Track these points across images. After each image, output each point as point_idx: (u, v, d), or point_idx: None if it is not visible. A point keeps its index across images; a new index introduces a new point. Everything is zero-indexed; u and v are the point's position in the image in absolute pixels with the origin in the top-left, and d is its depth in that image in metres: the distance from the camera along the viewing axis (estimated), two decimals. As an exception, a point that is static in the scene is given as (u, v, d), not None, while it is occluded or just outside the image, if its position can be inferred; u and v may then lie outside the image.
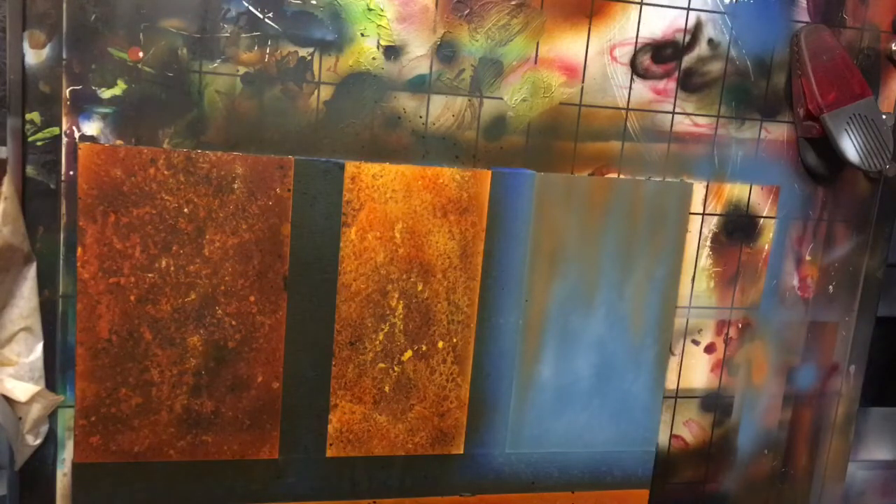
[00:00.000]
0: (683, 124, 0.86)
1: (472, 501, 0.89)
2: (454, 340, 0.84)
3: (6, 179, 0.71)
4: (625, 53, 0.83)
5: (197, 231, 0.76)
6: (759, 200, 0.90)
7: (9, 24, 0.69)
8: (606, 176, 0.85)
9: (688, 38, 0.84)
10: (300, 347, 0.80)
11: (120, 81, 0.73)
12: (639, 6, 0.82)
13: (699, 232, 0.89)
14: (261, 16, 0.74)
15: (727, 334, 0.93)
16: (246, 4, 0.74)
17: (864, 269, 0.95)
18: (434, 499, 0.88)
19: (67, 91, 0.72)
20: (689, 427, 0.94)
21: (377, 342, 0.82)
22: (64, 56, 0.71)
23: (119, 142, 0.74)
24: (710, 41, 0.85)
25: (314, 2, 0.75)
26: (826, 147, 0.86)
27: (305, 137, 0.78)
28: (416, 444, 0.86)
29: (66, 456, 0.78)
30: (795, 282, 0.94)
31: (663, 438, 0.94)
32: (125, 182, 0.73)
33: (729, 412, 0.95)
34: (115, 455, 0.78)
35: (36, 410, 0.75)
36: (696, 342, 0.92)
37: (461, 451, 0.87)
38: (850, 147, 0.83)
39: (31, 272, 0.74)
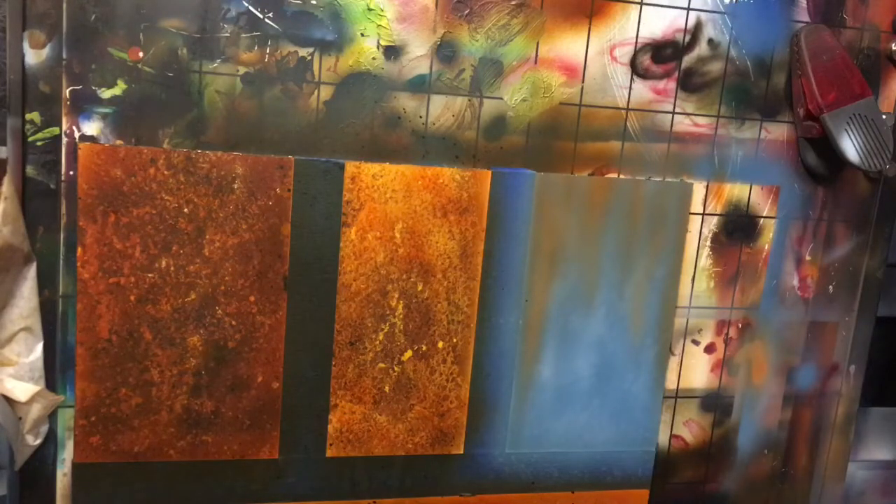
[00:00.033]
0: (683, 124, 0.86)
1: (472, 501, 0.89)
2: (454, 340, 0.84)
3: (6, 179, 0.71)
4: (625, 53, 0.83)
5: (197, 231, 0.76)
6: (759, 200, 0.90)
7: (9, 24, 0.69)
8: (606, 176, 0.85)
9: (688, 38, 0.84)
10: (300, 347, 0.80)
11: (120, 81, 0.73)
12: (639, 6, 0.82)
13: (699, 232, 0.89)
14: (261, 16, 0.74)
15: (727, 334, 0.93)
16: (246, 4, 0.74)
17: (864, 269, 0.95)
18: (434, 499, 0.88)
19: (67, 91, 0.72)
20: (689, 427, 0.94)
21: (377, 342, 0.82)
22: (64, 56, 0.71)
23: (119, 142, 0.74)
24: (710, 41, 0.85)
25: (314, 2, 0.75)
26: (826, 147, 0.86)
27: (305, 137, 0.78)
28: (416, 444, 0.86)
29: (66, 456, 0.78)
30: (795, 282, 0.94)
31: (663, 438, 0.94)
32: (125, 182, 0.73)
33: (729, 412, 0.95)
34: (115, 455, 0.78)
35: (36, 410, 0.75)
36: (696, 342, 0.92)
37: (461, 451, 0.87)
38: (850, 147, 0.83)
39: (31, 272, 0.74)
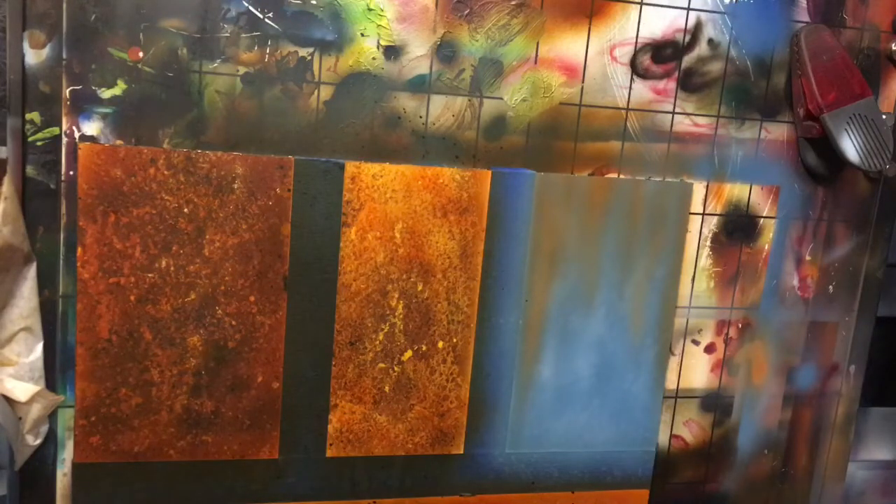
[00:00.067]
0: (683, 124, 0.86)
1: (472, 501, 0.89)
2: (454, 340, 0.84)
3: (6, 179, 0.71)
4: (625, 53, 0.83)
5: (197, 231, 0.76)
6: (759, 200, 0.90)
7: (9, 24, 0.69)
8: (606, 176, 0.85)
9: (688, 38, 0.84)
10: (300, 347, 0.80)
11: (120, 81, 0.73)
12: (639, 6, 0.82)
13: (699, 232, 0.89)
14: (261, 16, 0.74)
15: (727, 334, 0.93)
16: (246, 4, 0.74)
17: (864, 269, 0.95)
18: (434, 499, 0.88)
19: (67, 91, 0.72)
20: (689, 427, 0.94)
21: (377, 342, 0.82)
22: (64, 56, 0.71)
23: (119, 142, 0.74)
24: (710, 41, 0.85)
25: (314, 2, 0.75)
26: (826, 147, 0.86)
27: (305, 137, 0.78)
28: (416, 444, 0.86)
29: (66, 456, 0.78)
30: (795, 282, 0.94)
31: (663, 438, 0.94)
32: (125, 182, 0.73)
33: (729, 412, 0.95)
34: (115, 455, 0.78)
35: (36, 410, 0.75)
36: (696, 342, 0.92)
37: (461, 451, 0.87)
38: (850, 147, 0.83)
39: (31, 272, 0.74)
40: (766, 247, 0.92)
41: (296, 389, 0.81)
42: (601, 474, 0.92)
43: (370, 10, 0.76)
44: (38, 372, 0.75)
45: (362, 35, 0.77)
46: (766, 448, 0.97)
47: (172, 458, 0.79)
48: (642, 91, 0.84)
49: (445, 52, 0.79)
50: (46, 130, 0.72)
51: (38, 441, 0.76)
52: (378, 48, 0.77)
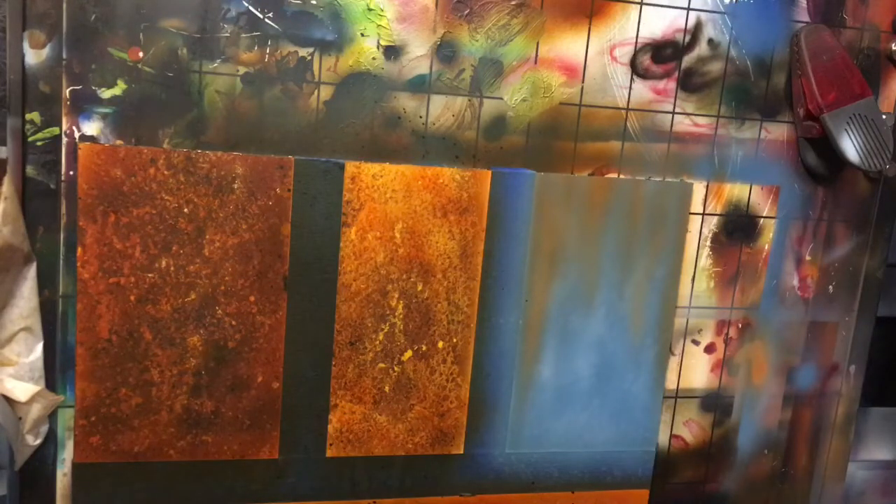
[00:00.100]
0: (683, 124, 0.86)
1: (472, 501, 0.89)
2: (454, 340, 0.84)
3: (6, 179, 0.71)
4: (625, 53, 0.83)
5: (197, 231, 0.76)
6: (759, 200, 0.90)
7: (9, 24, 0.69)
8: (606, 176, 0.85)
9: (688, 38, 0.84)
10: (300, 347, 0.80)
11: (120, 81, 0.73)
12: (639, 6, 0.82)
13: (699, 232, 0.89)
14: (261, 16, 0.74)
15: (727, 334, 0.93)
16: (246, 4, 0.74)
17: (864, 269, 0.95)
18: (434, 499, 0.88)
19: (67, 91, 0.72)
20: (689, 427, 0.94)
21: (377, 342, 0.82)
22: (64, 56, 0.71)
23: (119, 142, 0.74)
24: (710, 41, 0.85)
25: (314, 2, 0.75)
26: (826, 147, 0.86)
27: (305, 137, 0.78)
28: (416, 444, 0.86)
29: (66, 456, 0.78)
30: (795, 282, 0.94)
31: (663, 438, 0.94)
32: (125, 182, 0.73)
33: (729, 412, 0.95)
34: (115, 455, 0.78)
35: (36, 410, 0.75)
36: (696, 342, 0.92)
37: (461, 451, 0.87)
38: (850, 147, 0.83)
39: (31, 272, 0.74)
40: (766, 247, 0.92)
41: (296, 389, 0.81)
42: (601, 474, 0.92)
43: (370, 10, 0.76)
44: (38, 372, 0.75)
45: (362, 35, 0.77)
46: (766, 448, 0.97)
47: (172, 458, 0.79)
48: (642, 91, 0.84)
49: (445, 52, 0.79)
50: (46, 130, 0.72)
51: (38, 441, 0.76)
52: (378, 48, 0.77)
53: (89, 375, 0.76)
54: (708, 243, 0.90)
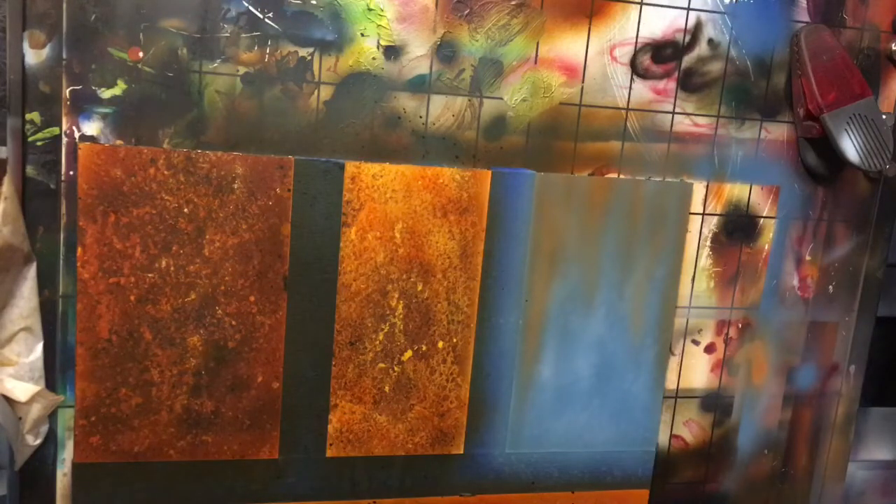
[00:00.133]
0: (683, 124, 0.86)
1: (472, 501, 0.89)
2: (454, 340, 0.84)
3: (6, 179, 0.71)
4: (625, 53, 0.83)
5: (197, 231, 0.76)
6: (759, 200, 0.90)
7: (9, 24, 0.69)
8: (606, 176, 0.85)
9: (688, 38, 0.84)
10: (300, 347, 0.80)
11: (120, 81, 0.73)
12: (639, 6, 0.82)
13: (699, 232, 0.89)
14: (261, 16, 0.74)
15: (727, 334, 0.93)
16: (246, 4, 0.74)
17: (864, 269, 0.95)
18: (434, 499, 0.88)
19: (67, 91, 0.72)
20: (689, 427, 0.94)
21: (377, 342, 0.82)
22: (64, 56, 0.71)
23: (119, 142, 0.74)
24: (710, 41, 0.85)
25: (314, 2, 0.75)
26: (826, 147, 0.86)
27: (305, 137, 0.78)
28: (416, 444, 0.86)
29: (66, 456, 0.78)
30: (795, 282, 0.94)
31: (663, 438, 0.94)
32: (125, 182, 0.73)
33: (729, 412, 0.95)
34: (115, 455, 0.78)
35: (36, 410, 0.75)
36: (696, 342, 0.92)
37: (461, 451, 0.87)
38: (850, 147, 0.83)
39: (31, 272, 0.74)
40: (766, 247, 0.92)
41: (296, 389, 0.81)
42: (601, 474, 0.92)
43: (370, 10, 0.76)
44: (38, 372, 0.75)
45: (362, 35, 0.77)
46: (766, 448, 0.97)
47: (172, 458, 0.79)
48: (642, 91, 0.84)
49: (445, 52, 0.79)
50: (46, 130, 0.72)
51: (38, 441, 0.76)
52: (378, 48, 0.77)
53: (89, 375, 0.76)
54: (708, 243, 0.90)
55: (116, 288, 0.75)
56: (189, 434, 0.79)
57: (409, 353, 0.83)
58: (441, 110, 0.80)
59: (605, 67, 0.83)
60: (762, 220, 0.91)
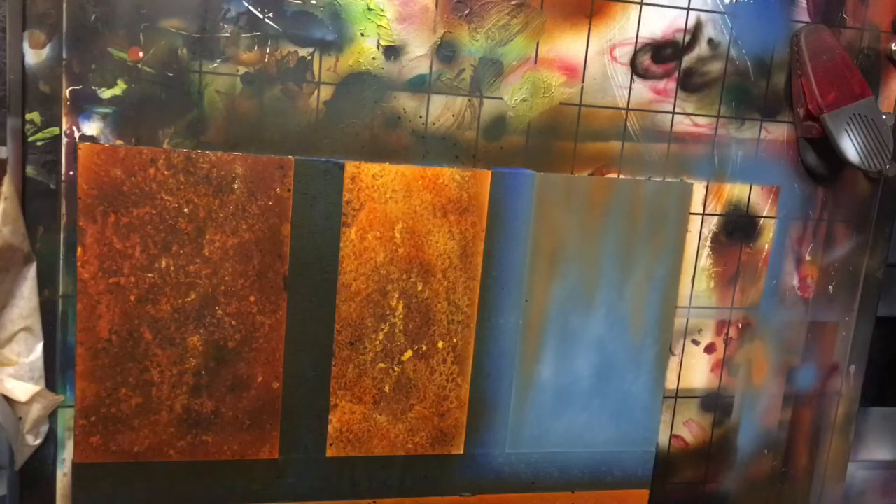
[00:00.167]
0: (683, 124, 0.86)
1: (472, 501, 0.89)
2: (454, 340, 0.84)
3: (6, 179, 0.71)
4: (625, 53, 0.83)
5: (197, 231, 0.76)
6: (759, 200, 0.90)
7: (9, 24, 0.69)
8: (606, 176, 0.85)
9: (688, 38, 0.84)
10: (300, 347, 0.80)
11: (120, 81, 0.73)
12: (639, 6, 0.82)
13: (699, 232, 0.89)
14: (261, 16, 0.74)
15: (727, 334, 0.93)
16: (246, 4, 0.74)
17: (864, 269, 0.95)
18: (434, 499, 0.88)
19: (67, 91, 0.72)
20: (689, 427, 0.94)
21: (377, 342, 0.82)
22: (64, 56, 0.71)
23: (119, 142, 0.74)
24: (710, 41, 0.85)
25: (314, 2, 0.75)
26: (826, 147, 0.86)
27: (305, 137, 0.78)
28: (416, 444, 0.86)
29: (66, 456, 0.78)
30: (795, 282, 0.94)
31: (663, 438, 0.94)
32: (125, 182, 0.73)
33: (729, 412, 0.95)
34: (115, 455, 0.78)
35: (36, 410, 0.75)
36: (696, 342, 0.92)
37: (461, 451, 0.87)
38: (850, 147, 0.83)
39: (31, 272, 0.74)
40: (766, 247, 0.92)
41: (296, 389, 0.81)
42: (601, 474, 0.92)
43: (370, 10, 0.76)
44: (38, 372, 0.75)
45: (362, 35, 0.77)
46: (766, 448, 0.97)
47: (172, 458, 0.79)
48: (642, 91, 0.84)
49: (445, 52, 0.79)
50: (46, 130, 0.72)
51: (38, 441, 0.76)
52: (378, 48, 0.77)
53: (89, 375, 0.76)
54: (708, 243, 0.90)
55: (116, 288, 0.75)
56: (189, 434, 0.79)
57: (409, 353, 0.83)
58: (441, 110, 0.80)
59: (605, 67, 0.83)
60: (762, 220, 0.91)
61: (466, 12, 0.78)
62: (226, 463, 0.81)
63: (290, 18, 0.75)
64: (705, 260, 0.90)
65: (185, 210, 0.75)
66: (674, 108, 0.85)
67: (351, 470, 0.85)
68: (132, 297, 0.75)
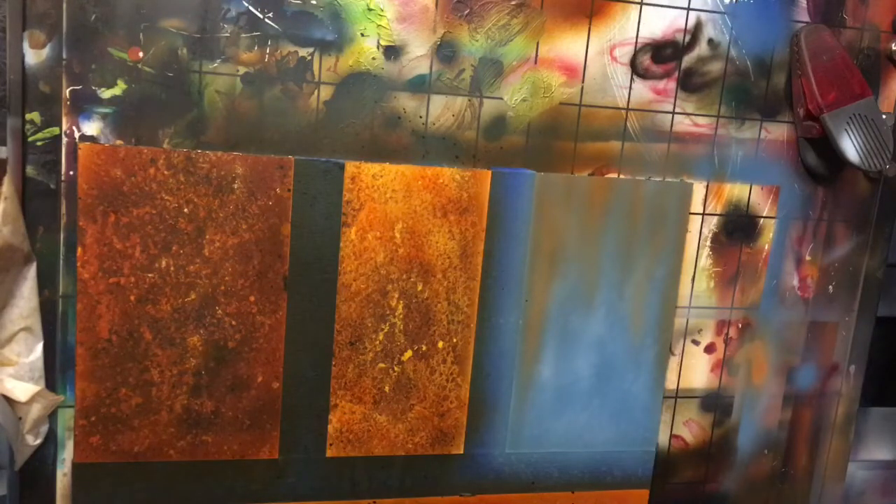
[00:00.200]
0: (683, 124, 0.86)
1: (472, 501, 0.89)
2: (454, 340, 0.84)
3: (6, 179, 0.71)
4: (625, 53, 0.83)
5: (197, 231, 0.76)
6: (759, 200, 0.90)
7: (9, 24, 0.69)
8: (606, 176, 0.85)
9: (688, 38, 0.84)
10: (300, 347, 0.80)
11: (120, 81, 0.73)
12: (639, 6, 0.82)
13: (699, 232, 0.89)
14: (261, 16, 0.74)
15: (727, 334, 0.93)
16: (246, 4, 0.74)
17: (864, 269, 0.95)
18: (434, 499, 0.88)
19: (67, 91, 0.72)
20: (689, 427, 0.94)
21: (377, 342, 0.82)
22: (64, 56, 0.71)
23: (119, 142, 0.74)
24: (710, 41, 0.85)
25: (314, 2, 0.75)
26: (826, 147, 0.86)
27: (305, 137, 0.78)
28: (416, 444, 0.86)
29: (66, 456, 0.78)
30: (795, 282, 0.94)
31: (663, 438, 0.94)
32: (125, 182, 0.73)
33: (729, 412, 0.95)
34: (115, 455, 0.78)
35: (36, 410, 0.75)
36: (696, 342, 0.92)
37: (461, 451, 0.87)
38: (850, 147, 0.83)
39: (31, 272, 0.74)
40: (766, 247, 0.92)
41: (296, 389, 0.81)
42: (601, 474, 0.92)
43: (370, 10, 0.76)
44: (38, 372, 0.75)
45: (362, 35, 0.77)
46: (766, 448, 0.97)
47: (172, 458, 0.79)
48: (642, 91, 0.84)
49: (445, 52, 0.79)
50: (46, 130, 0.72)
51: (38, 441, 0.76)
52: (378, 48, 0.77)
53: (89, 375, 0.76)
54: (708, 243, 0.90)
55: (116, 288, 0.75)
56: (189, 434, 0.79)
57: (409, 353, 0.83)
58: (441, 110, 0.80)
59: (605, 67, 0.83)
60: (762, 220, 0.91)
61: (466, 12, 0.78)
62: (226, 463, 0.81)
63: (290, 18, 0.75)
64: (705, 260, 0.90)
65: (185, 210, 0.75)
66: (674, 108, 0.85)
67: (351, 470, 0.85)
68: (132, 297, 0.75)
